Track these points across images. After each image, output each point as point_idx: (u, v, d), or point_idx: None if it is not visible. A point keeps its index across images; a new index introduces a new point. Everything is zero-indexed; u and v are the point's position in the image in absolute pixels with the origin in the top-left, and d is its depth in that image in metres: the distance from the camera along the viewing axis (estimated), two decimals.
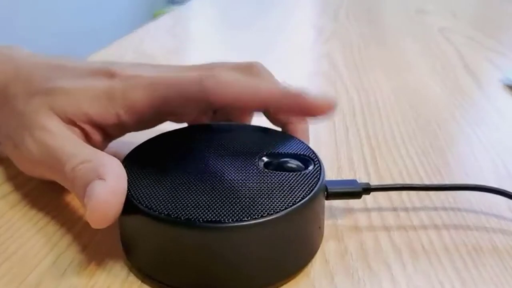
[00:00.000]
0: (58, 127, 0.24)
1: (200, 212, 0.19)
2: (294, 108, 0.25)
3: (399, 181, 0.29)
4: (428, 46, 0.62)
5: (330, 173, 0.30)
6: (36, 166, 0.24)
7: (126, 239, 0.22)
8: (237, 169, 0.23)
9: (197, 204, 0.20)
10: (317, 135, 0.35)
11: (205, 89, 0.24)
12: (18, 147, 0.25)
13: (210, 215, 0.19)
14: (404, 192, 0.28)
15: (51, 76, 0.26)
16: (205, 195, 0.21)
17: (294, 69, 0.53)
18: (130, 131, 0.26)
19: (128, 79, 0.25)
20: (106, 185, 0.20)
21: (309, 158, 0.24)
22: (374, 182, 0.29)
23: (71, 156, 0.22)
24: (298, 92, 0.25)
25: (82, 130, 0.25)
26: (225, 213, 0.20)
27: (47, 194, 0.27)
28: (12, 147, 0.25)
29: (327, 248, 0.23)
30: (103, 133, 0.25)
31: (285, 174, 0.22)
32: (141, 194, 0.21)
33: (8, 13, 1.74)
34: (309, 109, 0.25)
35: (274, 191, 0.21)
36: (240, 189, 0.21)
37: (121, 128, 0.25)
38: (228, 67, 0.27)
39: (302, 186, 0.22)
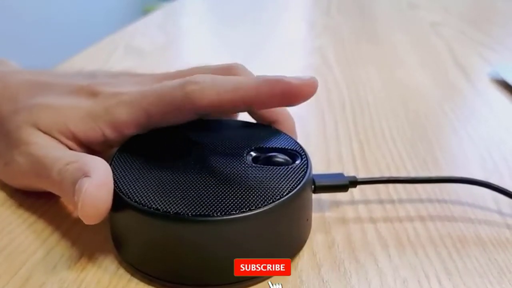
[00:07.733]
0: (42, 138, 0.24)
1: (189, 206, 0.20)
2: (276, 96, 0.24)
3: (386, 174, 0.30)
4: (419, 41, 0.62)
5: (319, 167, 0.30)
6: (25, 178, 0.25)
7: (116, 234, 0.23)
8: (226, 163, 0.23)
9: (186, 198, 0.20)
10: (306, 129, 0.36)
11: (187, 95, 0.23)
12: (9, 164, 0.25)
13: (199, 209, 0.20)
14: (391, 185, 0.28)
15: (35, 94, 0.26)
16: (194, 189, 0.21)
17: (285, 63, 0.53)
18: (115, 147, 0.27)
19: (109, 97, 0.25)
20: (93, 181, 0.20)
21: (296, 153, 0.24)
22: (362, 175, 0.29)
23: (56, 160, 0.23)
24: (278, 77, 0.23)
25: (67, 146, 0.25)
26: (213, 206, 0.20)
27: (37, 191, 0.27)
28: (2, 165, 0.26)
29: (315, 240, 0.24)
30: (88, 150, 0.25)
31: (273, 168, 0.23)
32: (131, 189, 0.21)
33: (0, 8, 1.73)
34: (292, 93, 0.23)
35: (262, 184, 0.21)
36: (228, 183, 0.21)
37: (106, 145, 0.26)
38: (208, 70, 0.27)
39: (290, 179, 0.22)
